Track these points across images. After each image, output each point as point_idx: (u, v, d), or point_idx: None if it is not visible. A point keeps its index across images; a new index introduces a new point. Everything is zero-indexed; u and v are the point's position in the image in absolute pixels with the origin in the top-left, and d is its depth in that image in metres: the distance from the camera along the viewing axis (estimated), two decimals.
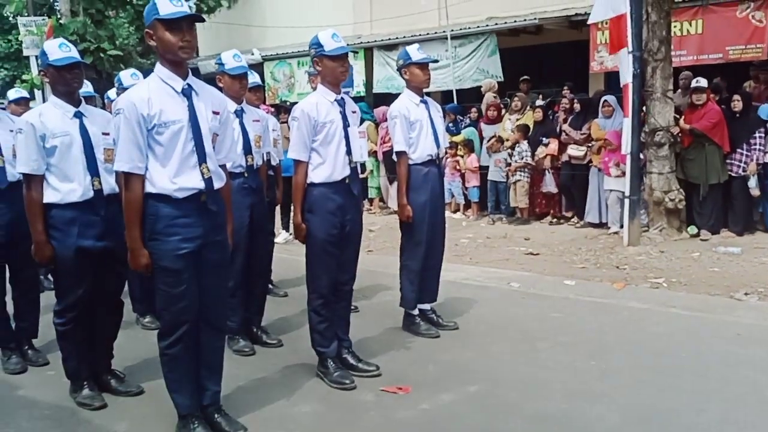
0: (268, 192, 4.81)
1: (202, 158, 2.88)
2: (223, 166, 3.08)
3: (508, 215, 8.86)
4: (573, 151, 8.16)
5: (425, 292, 4.52)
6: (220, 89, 3.90)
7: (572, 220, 8.43)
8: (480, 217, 9.19)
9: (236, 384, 3.57)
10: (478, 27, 11.23)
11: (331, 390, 3.58)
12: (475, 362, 3.96)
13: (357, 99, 9.51)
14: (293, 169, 3.61)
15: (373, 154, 9.68)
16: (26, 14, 14.01)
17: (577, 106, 8.42)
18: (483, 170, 9.10)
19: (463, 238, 7.90)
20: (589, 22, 8.22)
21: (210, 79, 3.88)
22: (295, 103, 3.96)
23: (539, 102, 9.28)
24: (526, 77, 10.32)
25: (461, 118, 10.03)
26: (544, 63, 11.77)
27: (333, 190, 3.56)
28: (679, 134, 7.20)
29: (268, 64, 14.18)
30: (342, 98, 3.63)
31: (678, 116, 7.34)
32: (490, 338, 4.37)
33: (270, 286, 5.54)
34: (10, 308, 4.15)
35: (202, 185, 2.87)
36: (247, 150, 4.12)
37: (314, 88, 3.85)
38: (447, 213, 8.98)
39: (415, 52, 4.26)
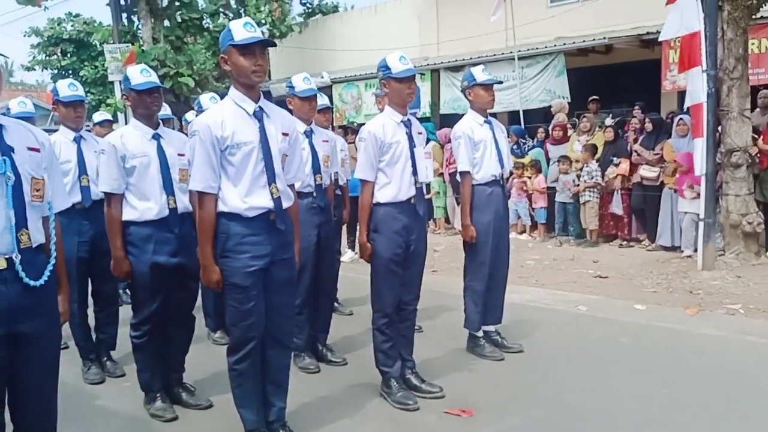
0: (335, 211, 4.89)
1: (271, 178, 2.97)
2: (291, 186, 3.16)
3: (576, 237, 8.67)
4: (645, 172, 7.94)
5: (489, 313, 4.48)
6: (291, 111, 4.01)
7: (643, 242, 8.18)
8: (547, 239, 9.04)
9: (301, 401, 3.61)
10: (546, 47, 11.15)
11: (394, 410, 3.58)
12: (541, 386, 3.88)
13: (423, 120, 9.57)
14: (360, 189, 3.67)
15: (439, 174, 9.70)
16: (112, 42, 14.81)
17: (648, 126, 8.20)
18: (550, 191, 8.97)
19: (529, 260, 7.78)
20: (660, 39, 8.01)
21: (281, 102, 4.01)
22: (362, 124, 4.02)
23: (609, 121, 9.08)
24: (595, 97, 10.14)
25: (524, 140, 9.93)
26: (614, 82, 11.54)
27: (398, 210, 3.59)
28: (758, 155, 6.90)
29: (337, 87, 14.47)
30: (408, 119, 3.67)
31: (756, 136, 7.04)
32: (556, 362, 4.29)
33: (335, 304, 5.61)
34: (91, 321, 4.35)
35: (271, 204, 2.96)
36: (316, 169, 4.21)
37: (381, 110, 3.92)
38: (513, 234, 8.97)
39: (480, 74, 4.27)
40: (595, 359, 4.31)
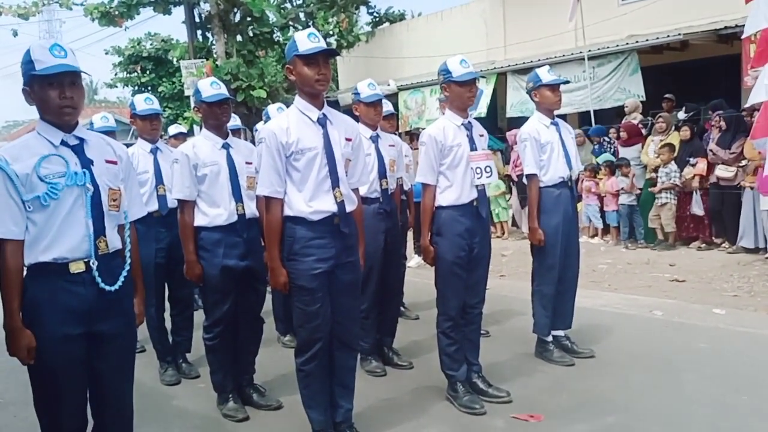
0: (400, 216, 4.93)
1: (335, 183, 3.03)
2: (355, 190, 3.21)
3: (648, 240, 8.39)
4: (722, 172, 7.61)
5: (559, 318, 4.39)
6: (357, 118, 4.08)
7: (723, 245, 7.82)
8: (620, 242, 8.77)
9: (367, 403, 3.65)
10: (617, 46, 10.85)
11: (460, 414, 3.56)
12: (613, 392, 3.77)
13: (480, 121, 9.47)
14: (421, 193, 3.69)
15: (505, 177, 9.62)
16: (188, 58, 15.41)
17: (722, 124, 7.84)
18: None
19: (602, 264, 7.59)
20: (743, 35, 7.66)
21: (349, 111, 4.08)
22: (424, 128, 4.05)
23: (682, 115, 8.75)
24: (669, 96, 9.78)
25: (607, 139, 9.70)
26: (691, 80, 11.10)
27: (461, 213, 3.59)
28: None
29: (402, 94, 14.54)
30: (469, 122, 3.67)
31: None
32: (629, 368, 4.16)
33: (402, 308, 5.64)
34: (167, 325, 4.53)
35: (335, 208, 3.02)
36: (382, 174, 4.26)
37: (444, 114, 3.93)
38: (584, 238, 8.79)
39: (546, 74, 4.22)
40: (671, 365, 4.16)
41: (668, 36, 10.28)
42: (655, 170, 8.32)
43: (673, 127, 8.69)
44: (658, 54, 11.10)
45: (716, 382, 3.83)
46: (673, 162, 8.11)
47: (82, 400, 2.41)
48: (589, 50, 10.59)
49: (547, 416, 3.46)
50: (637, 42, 10.68)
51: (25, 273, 2.30)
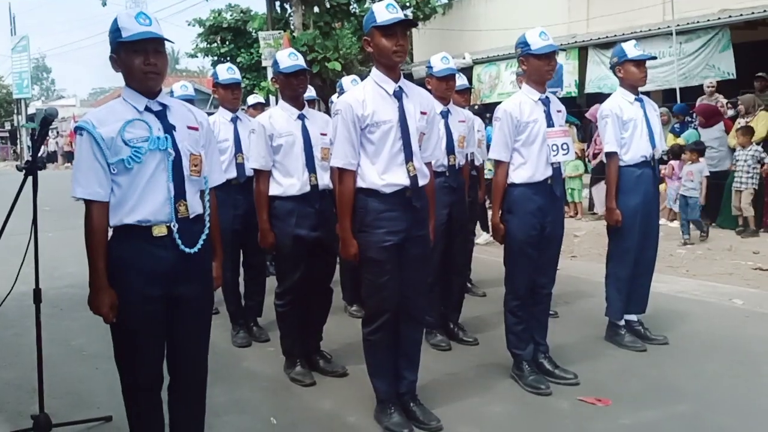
0: (470, 192, 4.88)
1: (408, 156, 3.02)
2: (428, 164, 3.20)
3: (727, 225, 7.98)
4: None
5: (633, 302, 4.27)
6: (429, 91, 4.04)
7: None
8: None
9: (432, 377, 3.67)
10: (708, 21, 10.29)
11: (525, 393, 3.54)
12: (685, 381, 3.66)
13: (566, 100, 9.21)
14: (494, 170, 3.63)
15: (579, 157, 9.36)
16: (266, 29, 15.62)
17: None
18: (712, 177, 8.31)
19: (680, 249, 7.30)
20: None
21: (422, 84, 4.05)
22: (497, 103, 3.97)
23: None
24: (761, 74, 9.22)
25: (690, 119, 9.27)
26: None
27: (534, 191, 3.52)
28: None
29: (477, 67, 14.31)
30: (547, 97, 3.58)
31: None
32: (704, 357, 4.02)
33: (469, 285, 5.62)
34: (241, 289, 4.67)
35: (407, 182, 3.02)
36: (450, 150, 4.21)
37: (521, 88, 3.84)
38: (663, 221, 8.44)
39: (632, 49, 4.05)
40: (749, 356, 3.99)
41: (765, 11, 9.67)
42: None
43: (761, 108, 8.19)
44: (751, 30, 10.46)
45: None
46: (754, 145, 7.67)
47: (159, 358, 2.51)
48: (678, 25, 10.10)
49: (614, 401, 3.39)
50: (730, 17, 10.10)
51: (110, 234, 2.41)
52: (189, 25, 19.33)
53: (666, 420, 3.20)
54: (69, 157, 29.43)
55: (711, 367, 3.85)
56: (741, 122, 8.15)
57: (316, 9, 15.81)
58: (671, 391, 3.51)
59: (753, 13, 9.84)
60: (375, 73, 3.08)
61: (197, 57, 20.10)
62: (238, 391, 3.69)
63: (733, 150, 8.21)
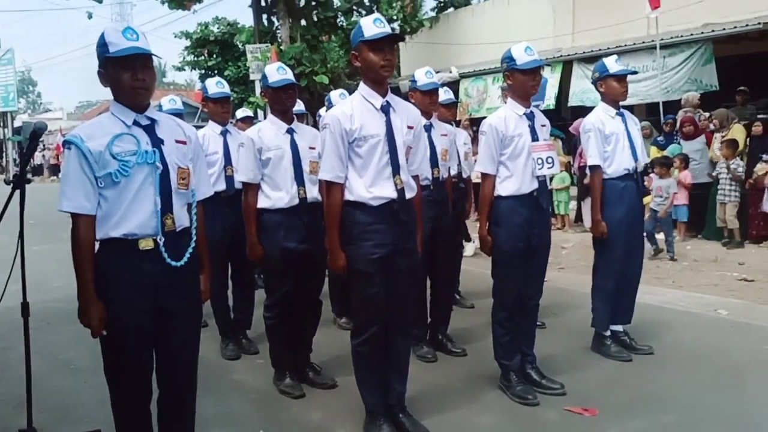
0: (457, 204, 4.92)
1: (396, 170, 3.05)
2: (415, 178, 3.23)
3: (712, 237, 8.09)
4: None
5: (619, 313, 4.32)
6: (413, 105, 4.07)
7: None
8: (687, 238, 8.50)
9: (420, 388, 3.68)
10: (691, 35, 10.45)
11: (512, 404, 3.56)
12: (671, 391, 3.69)
13: (550, 113, 9.30)
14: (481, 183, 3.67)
15: (564, 169, 9.44)
16: (253, 42, 15.68)
17: None
18: (695, 189, 8.42)
19: (666, 261, 7.37)
20: None
21: (407, 98, 4.08)
22: (485, 117, 4.02)
23: (761, 115, 8.39)
24: (742, 88, 9.37)
25: (675, 132, 9.39)
26: None
27: (520, 203, 3.57)
28: None
29: (464, 81, 14.41)
30: (531, 111, 3.63)
31: None
32: (689, 367, 4.06)
33: (457, 297, 5.64)
34: (229, 303, 4.67)
35: (394, 195, 3.05)
36: (434, 163, 4.25)
37: (506, 103, 3.89)
38: None
39: (613, 64, 4.12)
40: (734, 366, 4.03)
41: (747, 25, 9.85)
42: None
43: (735, 122, 8.33)
44: (734, 44, 10.63)
45: None
46: (737, 158, 7.79)
47: (149, 371, 2.52)
48: (662, 39, 10.24)
49: (601, 411, 3.42)
50: (713, 31, 10.27)
51: (97, 247, 2.42)
52: (176, 37, 19.44)
53: (652, 430, 3.23)
54: (55, 170, 29.28)
55: (697, 377, 3.89)
56: (717, 136, 8.27)
57: (303, 22, 15.90)
58: (657, 401, 3.55)
59: (735, 27, 10.01)
60: (362, 87, 3.12)
61: (184, 70, 20.17)
62: (228, 404, 3.69)
63: (714, 163, 8.32)
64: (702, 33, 10.35)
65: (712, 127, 8.76)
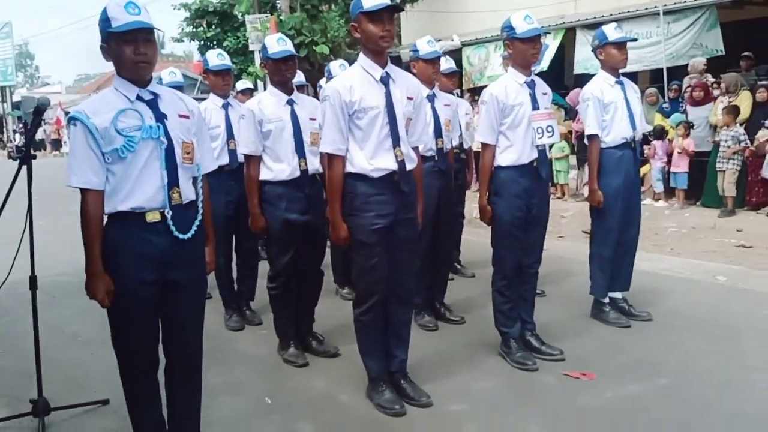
0: (459, 175, 4.95)
1: (396, 142, 3.08)
2: (415, 149, 3.26)
3: (712, 204, 8.12)
4: None
5: (617, 280, 4.37)
6: (414, 75, 4.08)
7: None
8: (686, 206, 8.53)
9: (422, 355, 3.75)
10: (695, 0, 10.34)
11: (512, 369, 3.64)
12: (668, 355, 3.77)
13: (548, 79, 9.24)
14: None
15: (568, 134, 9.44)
16: (252, 12, 15.52)
17: None
18: (697, 156, 8.43)
19: (665, 228, 7.41)
20: None
21: (409, 67, 4.08)
22: (486, 86, 4.03)
23: (764, 81, 8.33)
24: (747, 53, 9.29)
25: (681, 99, 9.36)
26: None
27: (520, 173, 3.59)
28: None
29: (466, 50, 14.30)
30: (532, 80, 3.63)
31: None
32: (687, 332, 4.12)
33: (458, 266, 5.71)
34: (233, 274, 4.73)
35: (395, 166, 3.07)
36: (438, 134, 4.27)
37: (507, 71, 3.89)
38: (648, 201, 8.57)
39: (612, 31, 4.11)
40: (730, 330, 4.10)
41: None
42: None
43: (742, 88, 8.28)
44: (738, 9, 10.53)
45: None
46: (738, 125, 7.78)
47: (155, 341, 2.58)
48: (665, 5, 10.14)
49: (599, 375, 3.50)
50: None
51: (105, 221, 2.46)
52: (174, 9, 19.17)
53: (648, 393, 3.30)
54: (56, 144, 29.22)
55: (693, 342, 3.96)
56: (724, 100, 8.23)
57: None
58: (654, 366, 3.62)
59: None
60: (362, 58, 3.12)
61: (183, 41, 19.95)
62: (233, 373, 3.77)
63: (714, 128, 8.30)
64: None
65: (717, 93, 8.72)
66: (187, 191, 2.54)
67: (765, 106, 7.85)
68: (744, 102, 8.02)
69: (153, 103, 2.48)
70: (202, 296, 2.73)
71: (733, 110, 7.88)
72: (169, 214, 2.45)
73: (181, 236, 2.47)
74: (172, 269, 2.49)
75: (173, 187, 2.47)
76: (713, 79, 9.19)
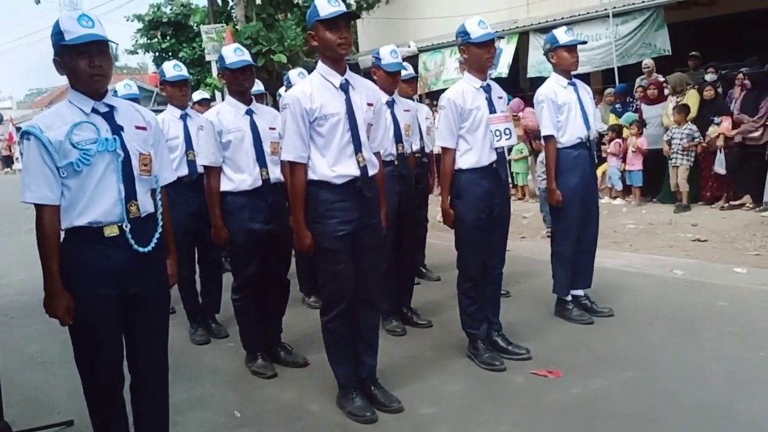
0: (421, 179, 4.98)
1: (357, 148, 3.09)
2: (377, 154, 3.27)
3: (669, 202, 8.35)
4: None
5: (579, 277, 4.46)
6: (375, 81, 4.10)
7: (747, 205, 7.75)
8: (642, 203, 8.74)
9: (390, 361, 3.76)
10: (643, 2, 10.61)
11: (480, 371, 3.67)
12: (631, 350, 3.85)
13: (505, 84, 9.40)
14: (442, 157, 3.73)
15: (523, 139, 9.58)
16: (207, 22, 15.39)
17: (747, 83, 7.75)
18: (654, 153, 8.64)
19: (623, 225, 7.58)
20: None
21: (368, 74, 4.10)
22: (443, 90, 4.07)
23: (709, 77, 8.59)
24: (694, 53, 9.59)
25: (631, 98, 9.59)
26: (720, 36, 10.84)
27: (480, 176, 3.64)
28: None
29: (422, 55, 14.40)
30: (488, 84, 3.69)
31: None
32: (648, 326, 4.22)
33: (424, 270, 5.73)
34: (197, 287, 4.67)
35: (357, 172, 3.08)
36: (398, 139, 4.30)
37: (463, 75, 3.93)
38: (606, 199, 8.76)
39: (563, 35, 4.20)
40: (690, 323, 4.21)
41: None
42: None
43: (689, 87, 8.54)
44: (685, 10, 10.83)
45: (735, 340, 3.88)
46: (690, 123, 8.02)
47: (119, 357, 2.53)
48: (614, 7, 10.39)
49: (565, 372, 3.55)
50: None
51: (62, 237, 2.41)
52: (128, 20, 18.93)
53: (614, 387, 3.37)
54: (7, 161, 28.44)
55: (655, 335, 4.05)
56: (672, 100, 8.47)
57: (258, 1, 15.62)
58: (618, 360, 3.69)
59: None
60: (321, 66, 3.13)
61: (137, 53, 19.70)
62: (201, 387, 3.72)
63: (666, 128, 8.53)
64: (653, 0, 10.52)
65: (666, 92, 8.97)
66: (146, 204, 2.50)
67: (713, 103, 8.10)
68: (691, 100, 8.27)
69: (109, 116, 2.44)
70: (165, 310, 2.69)
71: (683, 109, 8.12)
72: (127, 227, 2.41)
73: (141, 250, 2.44)
74: (133, 283, 2.45)
75: (131, 200, 2.43)
76: (661, 78, 9.45)
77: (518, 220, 7.92)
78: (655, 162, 8.59)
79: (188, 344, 4.45)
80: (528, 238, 7.37)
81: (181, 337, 4.46)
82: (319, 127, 3.05)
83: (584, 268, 4.46)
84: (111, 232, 2.40)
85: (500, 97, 3.73)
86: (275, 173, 3.73)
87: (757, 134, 7.44)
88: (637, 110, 9.15)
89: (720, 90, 8.40)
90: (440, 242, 6.06)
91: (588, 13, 11.38)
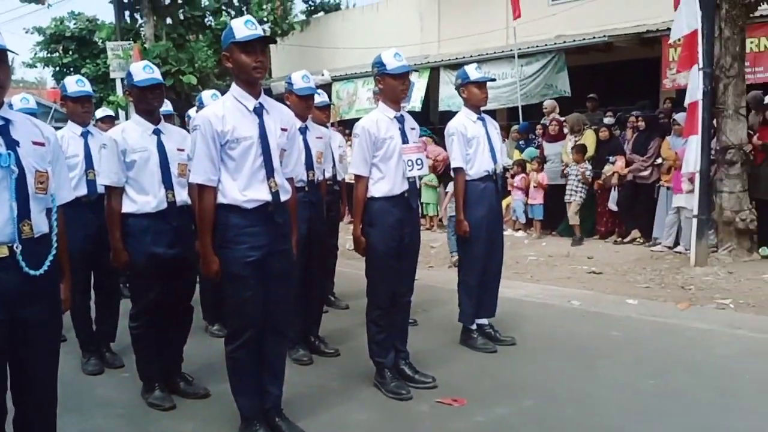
0: (332, 207, 4.98)
1: (270, 173, 3.04)
2: (290, 180, 3.24)
3: (566, 235, 8.76)
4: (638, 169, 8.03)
5: (483, 307, 4.56)
6: (288, 107, 4.08)
7: (637, 239, 8.25)
8: (543, 236, 9.10)
9: (296, 391, 3.67)
10: (546, 45, 11.21)
11: (387, 399, 3.66)
12: (532, 377, 3.97)
13: (416, 116, 9.62)
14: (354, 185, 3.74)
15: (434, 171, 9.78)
16: (114, 39, 14.89)
17: (641, 124, 8.33)
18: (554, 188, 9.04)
19: (525, 256, 7.86)
20: (670, 40, 8.07)
21: (280, 99, 4.07)
22: (356, 119, 4.11)
23: (607, 120, 9.15)
24: (592, 95, 10.20)
25: (534, 135, 10.03)
26: (614, 81, 11.60)
27: (392, 204, 3.67)
28: (752, 152, 6.98)
29: (336, 84, 14.54)
30: (401, 115, 3.75)
31: (752, 132, 7.14)
32: (547, 354, 4.37)
33: (332, 298, 5.70)
34: (92, 313, 4.42)
35: (269, 198, 3.03)
36: (309, 165, 4.29)
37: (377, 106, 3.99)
38: (509, 231, 9.05)
39: (473, 72, 4.35)
40: (586, 352, 4.39)
41: (594, 38, 10.72)
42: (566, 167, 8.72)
43: (586, 127, 9.07)
44: (584, 54, 11.54)
45: (627, 368, 4.08)
46: (586, 162, 8.49)
47: (3, 388, 2.35)
48: (519, 48, 10.91)
49: (469, 400, 3.60)
50: (564, 42, 11.08)
51: None
52: (27, 32, 18.00)
53: (515, 415, 3.45)
54: None
55: (554, 363, 4.20)
56: (571, 139, 8.94)
57: (169, 20, 15.30)
58: (519, 388, 3.79)
59: (584, 39, 10.87)
60: (234, 88, 3.08)
61: (36, 67, 18.73)
62: (92, 421, 3.51)
63: (565, 165, 8.97)
64: (555, 44, 11.14)
65: (566, 130, 9.45)
66: (40, 224, 2.36)
67: (608, 143, 8.61)
68: (588, 140, 8.77)
69: (4, 130, 2.30)
70: (56, 338, 2.53)
71: (581, 149, 8.59)
72: (18, 248, 2.26)
73: (32, 272, 2.29)
74: (22, 308, 2.29)
75: (24, 219, 2.29)
76: (561, 118, 9.96)
77: (426, 250, 8.04)
78: (555, 196, 8.99)
79: (79, 374, 4.19)
80: (435, 267, 7.49)
81: (72, 366, 4.19)
82: (231, 150, 2.99)
83: (489, 298, 4.58)
84: (1, 253, 2.24)
85: (413, 128, 3.80)
86: (182, 196, 3.61)
87: (646, 173, 7.96)
88: (539, 147, 9.57)
89: (616, 131, 8.95)
90: (349, 270, 6.06)
91: (495, 52, 11.90)
